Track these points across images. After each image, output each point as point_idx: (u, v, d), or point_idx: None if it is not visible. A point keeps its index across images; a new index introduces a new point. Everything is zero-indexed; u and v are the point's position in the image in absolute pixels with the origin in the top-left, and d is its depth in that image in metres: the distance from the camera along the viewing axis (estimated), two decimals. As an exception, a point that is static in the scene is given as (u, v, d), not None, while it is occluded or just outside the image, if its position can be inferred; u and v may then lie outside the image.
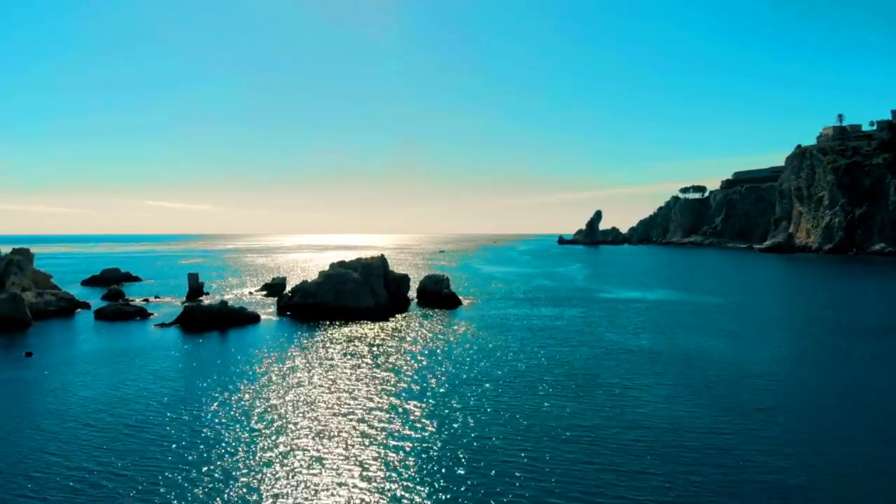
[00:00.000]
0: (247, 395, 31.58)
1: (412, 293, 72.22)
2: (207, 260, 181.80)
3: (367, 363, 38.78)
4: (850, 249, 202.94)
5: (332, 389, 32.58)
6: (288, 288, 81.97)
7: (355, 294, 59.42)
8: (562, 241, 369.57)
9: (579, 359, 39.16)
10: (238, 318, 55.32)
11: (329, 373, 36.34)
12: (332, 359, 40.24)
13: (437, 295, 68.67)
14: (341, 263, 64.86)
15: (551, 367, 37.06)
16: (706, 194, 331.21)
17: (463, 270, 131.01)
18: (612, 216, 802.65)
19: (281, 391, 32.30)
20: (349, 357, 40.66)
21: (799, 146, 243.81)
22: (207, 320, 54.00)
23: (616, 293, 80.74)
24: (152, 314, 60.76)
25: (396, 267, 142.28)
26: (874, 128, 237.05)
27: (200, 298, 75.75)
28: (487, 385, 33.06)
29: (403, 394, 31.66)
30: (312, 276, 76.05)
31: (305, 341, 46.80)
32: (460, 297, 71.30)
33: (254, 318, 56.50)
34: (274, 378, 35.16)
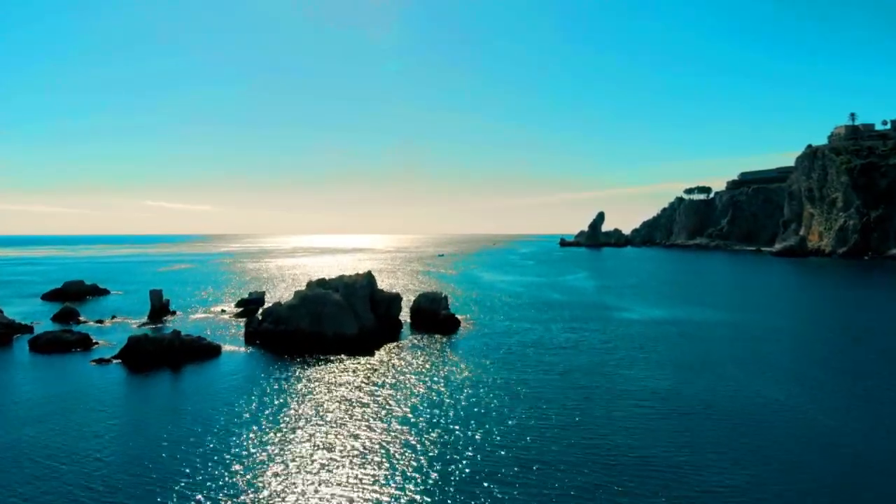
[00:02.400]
0: (185, 468, 22.65)
1: (405, 313, 63.15)
2: (193, 265, 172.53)
3: (337, 423, 29.70)
4: (865, 253, 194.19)
5: (293, 461, 23.63)
6: (267, 304, 73.14)
7: (336, 319, 50.36)
8: (563, 243, 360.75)
9: (613, 426, 29.84)
10: (194, 351, 46.23)
11: (292, 437, 27.28)
12: (297, 415, 31.16)
13: (434, 316, 59.61)
14: (321, 282, 55.79)
15: (576, 439, 27.93)
16: (711, 195, 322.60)
17: (462, 279, 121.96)
18: (612, 216, 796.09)
19: (231, 468, 23.30)
20: (318, 412, 31.56)
21: (810, 146, 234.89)
22: (157, 354, 44.90)
23: (636, 311, 71.62)
24: (97, 343, 51.59)
25: (392, 274, 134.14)
26: (888, 127, 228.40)
27: (165, 318, 66.76)
28: (486, 474, 24.01)
29: (380, 477, 22.69)
30: (299, 287, 66.97)
31: (271, 385, 37.68)
32: (459, 318, 62.28)
33: (214, 351, 47.42)
34: (223, 450, 26.07)
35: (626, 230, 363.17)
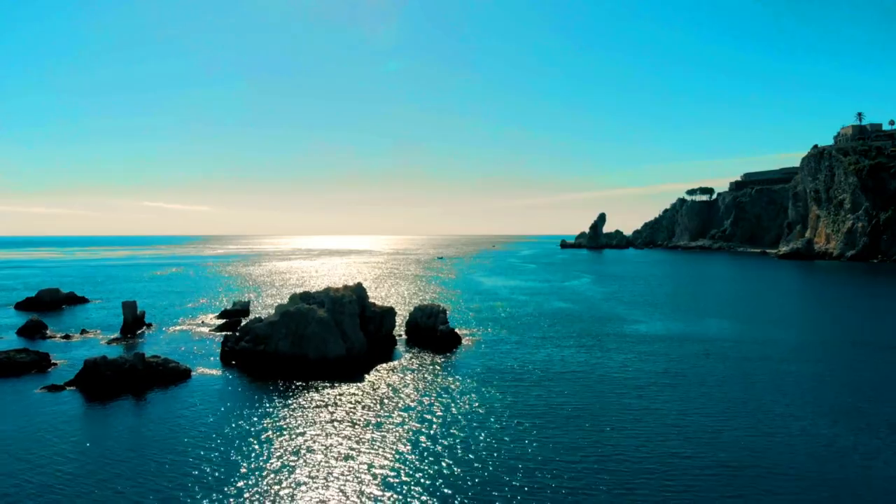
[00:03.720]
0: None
1: (399, 329, 57.92)
2: (185, 269, 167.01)
3: (312, 469, 24.41)
4: (874, 256, 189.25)
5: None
6: (252, 316, 68.04)
7: (320, 339, 45.07)
8: (564, 244, 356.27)
9: (650, 487, 24.73)
10: (160, 376, 41.00)
11: (259, 484, 22.05)
12: (267, 459, 25.86)
13: (431, 333, 54.35)
14: (304, 295, 50.49)
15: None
16: (714, 196, 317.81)
17: (462, 285, 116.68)
18: (613, 217, 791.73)
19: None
20: (291, 455, 26.26)
21: (816, 146, 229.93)
22: (116, 379, 39.63)
23: (650, 323, 66.30)
24: (55, 364, 46.30)
25: (389, 280, 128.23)
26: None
27: (139, 332, 61.49)
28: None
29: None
30: (288, 295, 61.29)
31: (241, 418, 32.41)
32: (459, 333, 57.00)
33: (183, 374, 42.16)
34: (176, 496, 20.80)
35: (628, 231, 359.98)
